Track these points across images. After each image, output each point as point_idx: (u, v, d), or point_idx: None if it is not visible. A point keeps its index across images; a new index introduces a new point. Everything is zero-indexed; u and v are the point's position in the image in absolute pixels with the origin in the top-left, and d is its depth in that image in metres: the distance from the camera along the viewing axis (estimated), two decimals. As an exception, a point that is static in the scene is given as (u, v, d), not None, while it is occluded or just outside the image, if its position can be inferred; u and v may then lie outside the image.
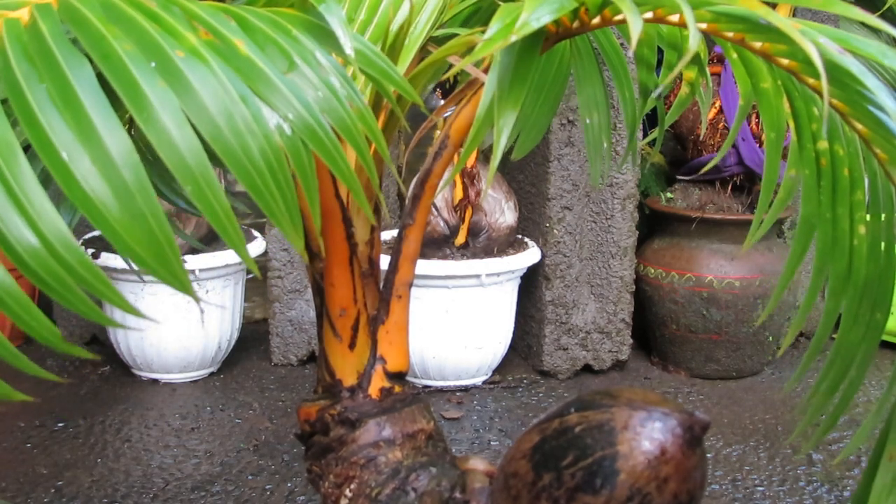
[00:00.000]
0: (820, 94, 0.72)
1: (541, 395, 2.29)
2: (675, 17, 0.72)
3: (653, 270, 2.38)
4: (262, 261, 2.39)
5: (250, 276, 2.52)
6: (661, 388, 2.34)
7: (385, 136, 0.83)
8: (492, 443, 2.01)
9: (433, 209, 2.20)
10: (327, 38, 0.58)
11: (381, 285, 0.89)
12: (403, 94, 0.63)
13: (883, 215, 0.77)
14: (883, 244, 0.77)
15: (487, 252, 2.24)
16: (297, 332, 2.40)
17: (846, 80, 0.62)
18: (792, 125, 0.81)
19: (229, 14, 0.57)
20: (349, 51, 0.57)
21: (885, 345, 2.52)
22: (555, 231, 2.30)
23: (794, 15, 2.30)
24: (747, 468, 1.90)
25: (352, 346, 0.86)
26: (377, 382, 0.87)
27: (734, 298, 2.30)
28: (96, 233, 2.26)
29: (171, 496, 1.73)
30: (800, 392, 2.30)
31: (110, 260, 2.11)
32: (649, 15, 0.72)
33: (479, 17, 1.05)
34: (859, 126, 0.72)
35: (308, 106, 0.55)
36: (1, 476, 1.79)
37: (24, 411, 2.10)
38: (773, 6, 0.62)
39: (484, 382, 2.34)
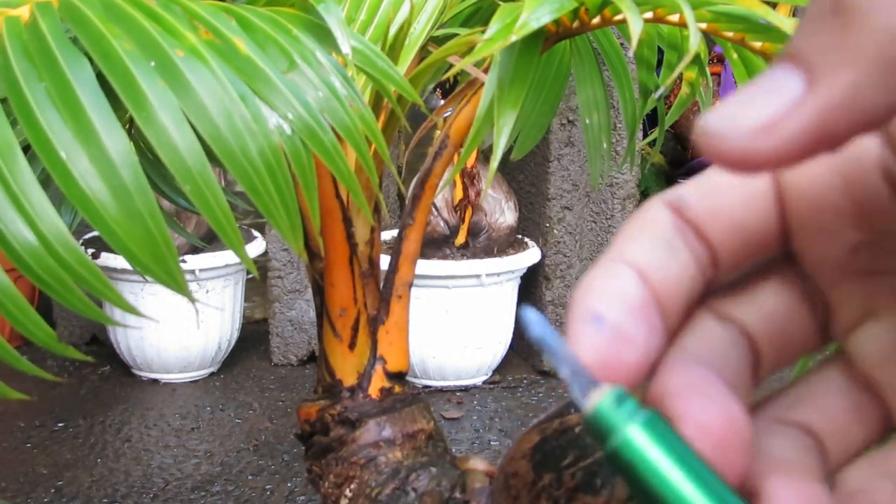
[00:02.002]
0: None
1: (541, 395, 2.29)
2: (675, 17, 0.72)
3: (653, 271, 2.38)
4: (262, 261, 2.38)
5: (250, 276, 2.52)
6: (661, 389, 2.34)
7: (385, 136, 0.83)
8: (492, 443, 2.01)
9: (433, 209, 2.20)
10: (328, 38, 0.58)
11: (381, 285, 0.89)
12: (404, 93, 0.63)
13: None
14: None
15: (487, 252, 2.24)
16: (297, 332, 2.40)
17: (846, 80, 0.61)
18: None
19: (230, 13, 0.57)
20: (346, 50, 0.57)
21: (886, 345, 2.52)
22: (555, 231, 2.30)
23: (794, 15, 2.30)
24: (747, 469, 1.90)
25: (352, 346, 0.86)
26: (377, 382, 0.87)
27: (734, 299, 2.30)
28: (96, 233, 2.26)
29: (171, 496, 1.73)
30: (800, 392, 2.29)
31: (110, 260, 2.11)
32: (649, 15, 0.72)
33: (479, 17, 1.05)
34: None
35: (308, 106, 0.55)
36: (1, 476, 1.79)
37: (24, 411, 2.09)
38: (773, 6, 0.62)
39: (484, 382, 2.34)
